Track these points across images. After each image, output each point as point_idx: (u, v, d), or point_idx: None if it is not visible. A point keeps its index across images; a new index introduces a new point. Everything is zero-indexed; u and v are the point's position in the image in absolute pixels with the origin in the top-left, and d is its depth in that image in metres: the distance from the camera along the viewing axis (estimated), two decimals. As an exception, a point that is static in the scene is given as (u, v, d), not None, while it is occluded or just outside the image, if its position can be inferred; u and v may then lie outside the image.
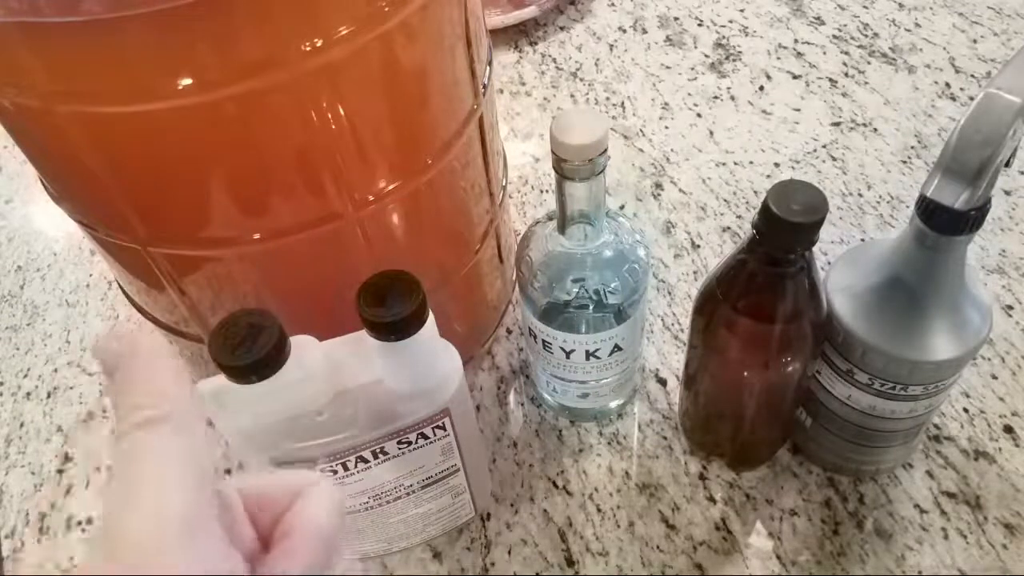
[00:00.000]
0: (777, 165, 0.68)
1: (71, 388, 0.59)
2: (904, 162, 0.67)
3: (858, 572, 0.46)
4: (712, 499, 0.49)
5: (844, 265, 0.42)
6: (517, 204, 0.67)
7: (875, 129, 0.70)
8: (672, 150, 0.70)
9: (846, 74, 0.75)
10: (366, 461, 0.39)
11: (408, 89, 0.38)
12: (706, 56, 0.78)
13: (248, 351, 0.30)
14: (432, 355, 0.37)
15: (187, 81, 0.30)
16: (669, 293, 0.60)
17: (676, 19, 0.83)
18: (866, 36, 0.78)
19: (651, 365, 0.56)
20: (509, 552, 0.48)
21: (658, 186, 0.68)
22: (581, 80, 0.77)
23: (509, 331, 0.59)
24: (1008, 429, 0.51)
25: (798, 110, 0.72)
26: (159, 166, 0.35)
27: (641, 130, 0.72)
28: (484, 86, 0.44)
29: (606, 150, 0.37)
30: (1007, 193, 0.64)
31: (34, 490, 0.54)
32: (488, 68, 0.45)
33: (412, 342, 0.34)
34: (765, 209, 0.35)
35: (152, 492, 0.18)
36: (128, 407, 0.19)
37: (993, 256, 0.60)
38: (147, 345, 0.20)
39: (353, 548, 0.46)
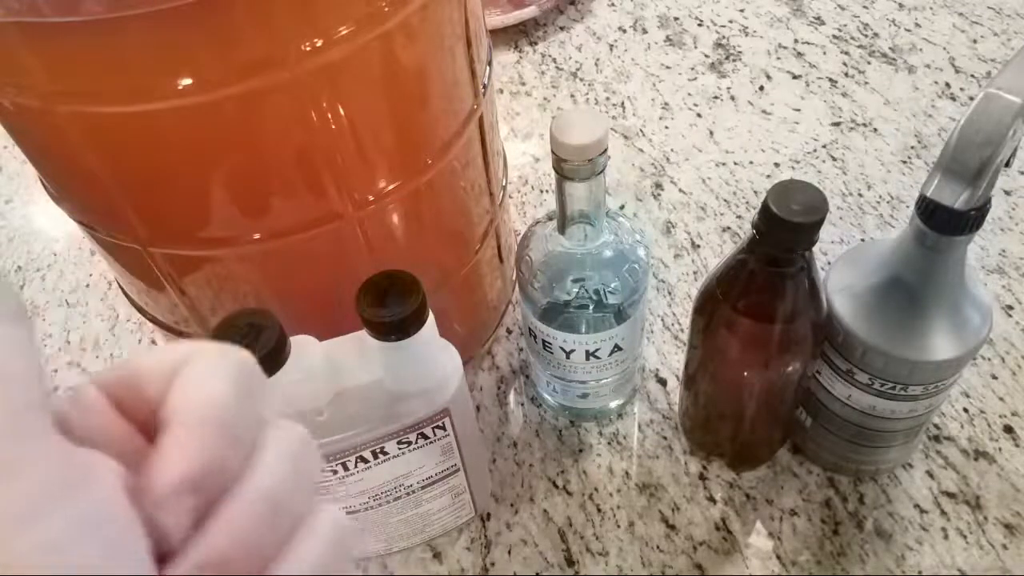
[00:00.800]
0: (777, 165, 0.68)
1: (71, 388, 0.59)
2: (904, 162, 0.67)
3: (858, 572, 0.46)
4: (712, 499, 0.49)
5: (844, 265, 0.42)
6: (517, 204, 0.67)
7: (875, 129, 0.70)
8: (672, 150, 0.70)
9: (846, 74, 0.75)
10: (366, 461, 0.39)
11: (408, 89, 0.38)
12: (706, 56, 0.78)
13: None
14: (432, 355, 0.37)
15: (187, 81, 0.30)
16: (669, 293, 0.60)
17: (676, 19, 0.83)
18: (866, 36, 0.78)
19: (651, 365, 0.56)
20: (509, 552, 0.48)
21: (658, 186, 0.68)
22: (581, 80, 0.77)
23: (509, 331, 0.59)
24: (1008, 429, 0.51)
25: (798, 110, 0.72)
26: (159, 166, 0.35)
27: (641, 130, 0.72)
28: (484, 86, 0.44)
29: (606, 150, 0.37)
30: (1007, 193, 0.64)
31: (34, 490, 0.54)
32: (488, 68, 0.45)
33: (412, 342, 0.34)
34: (765, 209, 0.35)
35: None
36: None
37: (993, 256, 0.60)
38: None
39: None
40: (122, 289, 0.50)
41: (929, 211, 0.34)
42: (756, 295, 0.39)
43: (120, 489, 0.16)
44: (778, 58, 0.77)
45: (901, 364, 0.39)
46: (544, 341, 0.46)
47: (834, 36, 0.79)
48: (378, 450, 0.38)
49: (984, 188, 0.33)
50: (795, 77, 0.75)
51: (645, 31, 0.82)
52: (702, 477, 0.50)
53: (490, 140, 0.47)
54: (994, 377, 0.53)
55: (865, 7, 0.81)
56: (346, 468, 0.39)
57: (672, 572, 0.46)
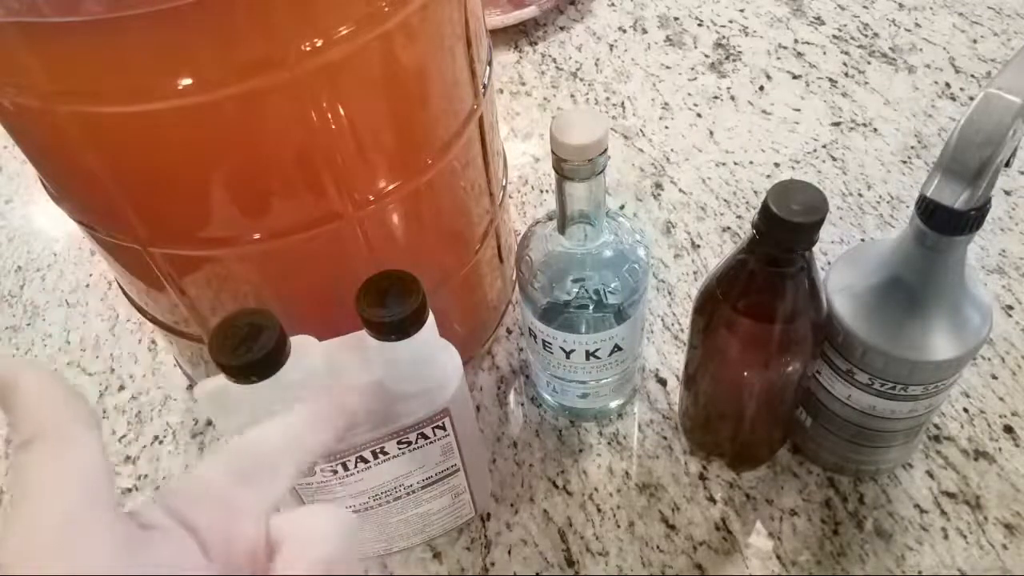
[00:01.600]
0: (777, 165, 0.68)
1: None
2: (904, 162, 0.67)
3: (858, 572, 0.46)
4: (712, 499, 0.49)
5: (844, 265, 0.42)
6: (517, 204, 0.67)
7: (875, 129, 0.70)
8: (672, 150, 0.70)
9: (846, 74, 0.75)
10: (366, 461, 0.39)
11: (408, 89, 0.38)
12: (706, 56, 0.78)
13: (248, 351, 0.30)
14: (432, 355, 0.37)
15: (187, 81, 0.30)
16: (669, 293, 0.60)
17: (676, 19, 0.83)
18: (866, 36, 0.78)
19: (651, 365, 0.56)
20: (509, 552, 0.48)
21: (658, 186, 0.68)
22: (581, 80, 0.77)
23: (509, 331, 0.59)
24: (1008, 429, 0.51)
25: (798, 110, 0.72)
26: (159, 166, 0.35)
27: (641, 130, 0.72)
28: (484, 86, 0.44)
29: (606, 150, 0.37)
30: (1007, 193, 0.64)
31: (34, 490, 0.54)
32: (488, 68, 0.45)
33: (412, 342, 0.34)
34: (765, 209, 0.35)
35: (26, 506, 0.18)
36: (12, 434, 0.19)
37: (993, 256, 0.60)
38: (21, 374, 0.20)
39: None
40: (122, 289, 0.50)
41: (929, 211, 0.34)
42: (756, 295, 0.39)
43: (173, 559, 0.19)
44: (778, 58, 0.77)
45: (901, 364, 0.39)
46: (544, 341, 0.46)
47: (834, 36, 0.79)
48: (378, 450, 0.38)
49: (984, 188, 0.33)
50: (795, 77, 0.75)
51: (645, 31, 0.82)
52: (702, 477, 0.50)
53: (490, 140, 0.47)
54: (994, 377, 0.53)
55: (865, 7, 0.82)
56: (346, 468, 0.39)
57: (672, 572, 0.46)
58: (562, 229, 0.42)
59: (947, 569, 0.45)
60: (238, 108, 0.32)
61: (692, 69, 0.77)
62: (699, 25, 0.82)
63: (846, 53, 0.77)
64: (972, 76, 0.73)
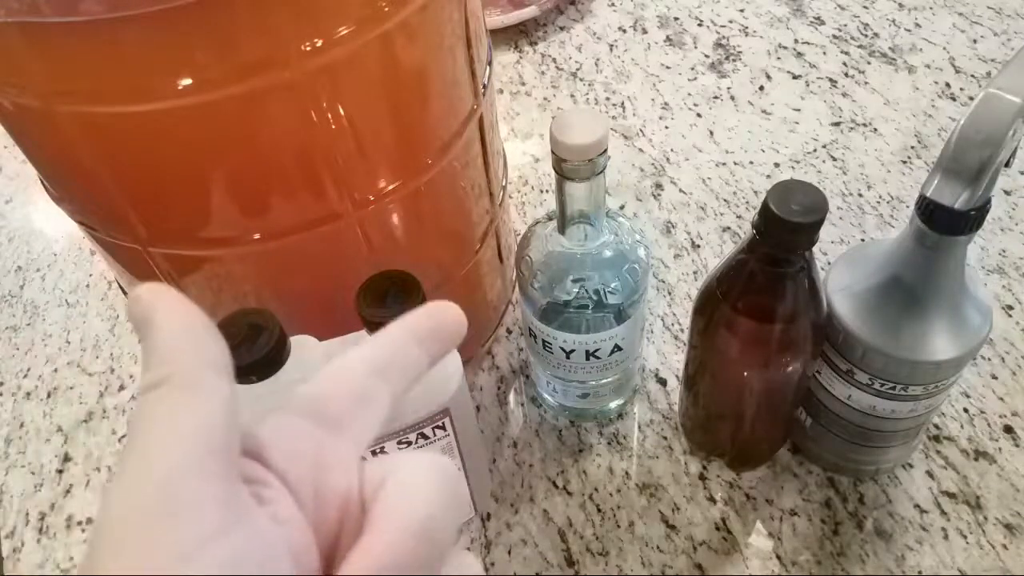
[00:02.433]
0: (777, 165, 0.68)
1: (71, 388, 0.59)
2: (904, 162, 0.67)
3: (858, 572, 0.46)
4: (712, 499, 0.49)
5: (844, 265, 0.42)
6: (517, 204, 0.67)
7: (875, 129, 0.70)
8: (672, 150, 0.70)
9: (846, 74, 0.75)
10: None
11: (408, 89, 0.38)
12: (706, 56, 0.78)
13: (248, 351, 0.30)
14: (432, 355, 0.37)
15: (187, 81, 0.30)
16: (669, 293, 0.60)
17: (676, 19, 0.83)
18: (866, 36, 0.78)
19: (651, 365, 0.56)
20: (509, 552, 0.48)
21: (658, 186, 0.68)
22: (581, 80, 0.77)
23: (509, 331, 0.59)
24: (1008, 429, 0.51)
25: (798, 110, 0.72)
26: (159, 166, 0.35)
27: (641, 130, 0.72)
28: (484, 86, 0.44)
29: (606, 150, 0.37)
30: (1007, 193, 0.64)
31: (34, 490, 0.54)
32: (488, 68, 0.45)
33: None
34: (765, 209, 0.35)
35: (134, 459, 0.16)
36: (142, 373, 0.18)
37: (993, 256, 0.60)
38: (161, 308, 0.18)
39: None
40: (122, 289, 0.50)
41: (929, 211, 0.34)
42: (756, 295, 0.39)
43: (274, 535, 0.17)
44: (778, 58, 0.77)
45: (901, 364, 0.39)
46: (544, 341, 0.46)
47: (834, 36, 0.79)
48: (378, 450, 0.38)
49: (984, 188, 0.33)
50: (795, 77, 0.75)
51: (645, 31, 0.82)
52: (702, 477, 0.50)
53: (490, 140, 0.47)
54: (994, 377, 0.53)
55: (865, 7, 0.82)
56: (346, 468, 0.39)
57: (672, 572, 0.46)
58: (562, 229, 0.42)
59: (947, 569, 0.45)
60: (238, 108, 0.32)
61: (692, 69, 0.77)
62: (699, 25, 0.82)
63: (846, 53, 0.77)
64: (972, 76, 0.73)
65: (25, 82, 0.31)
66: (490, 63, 0.45)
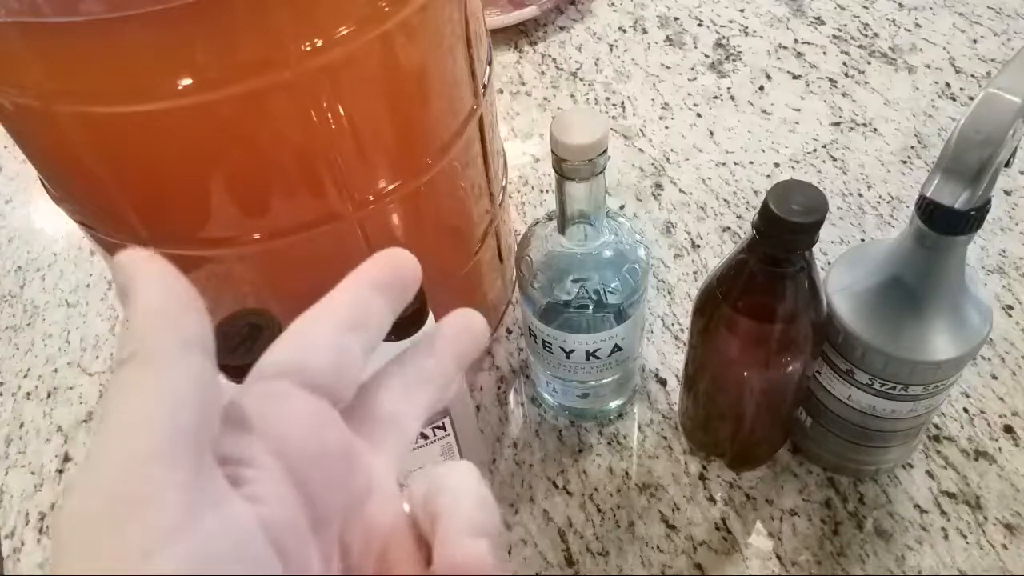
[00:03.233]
0: (777, 165, 0.68)
1: (71, 388, 0.59)
2: (904, 162, 0.67)
3: (858, 572, 0.46)
4: (712, 499, 0.49)
5: (844, 265, 0.42)
6: (517, 204, 0.67)
7: (875, 129, 0.70)
8: (672, 150, 0.70)
9: (846, 74, 0.75)
10: (366, 461, 0.39)
11: (408, 89, 0.38)
12: (706, 56, 0.78)
13: (248, 351, 0.30)
14: (432, 355, 0.37)
15: (187, 81, 0.30)
16: (669, 293, 0.60)
17: (676, 19, 0.83)
18: (866, 36, 0.78)
19: (651, 365, 0.56)
20: (509, 552, 0.48)
21: (658, 186, 0.68)
22: (581, 80, 0.77)
23: (509, 331, 0.59)
24: (1008, 429, 0.51)
25: (798, 110, 0.72)
26: (159, 166, 0.35)
27: (641, 130, 0.72)
28: (484, 86, 0.44)
29: (606, 150, 0.37)
30: (1007, 193, 0.64)
31: (34, 490, 0.54)
32: (488, 68, 0.45)
33: (412, 342, 0.34)
34: (765, 209, 0.35)
35: (101, 443, 0.15)
36: (118, 346, 0.17)
37: (993, 256, 0.60)
38: (140, 279, 0.17)
39: None
40: (122, 289, 0.50)
41: (929, 211, 0.34)
42: (756, 295, 0.39)
43: (247, 517, 0.16)
44: (778, 58, 0.77)
45: (901, 364, 0.39)
46: (544, 341, 0.46)
47: (834, 36, 0.79)
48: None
49: (984, 188, 0.33)
50: (795, 77, 0.75)
51: (645, 31, 0.82)
52: (702, 477, 0.50)
53: (490, 140, 0.47)
54: (994, 377, 0.53)
55: (865, 7, 0.81)
56: (346, 468, 0.39)
57: (672, 572, 0.46)
58: (562, 229, 0.42)
59: (947, 569, 0.45)
60: (238, 108, 0.32)
61: (692, 69, 0.77)
62: (699, 25, 0.82)
63: (846, 53, 0.77)
64: (972, 76, 0.73)
65: (25, 82, 0.31)
66: (490, 63, 0.45)
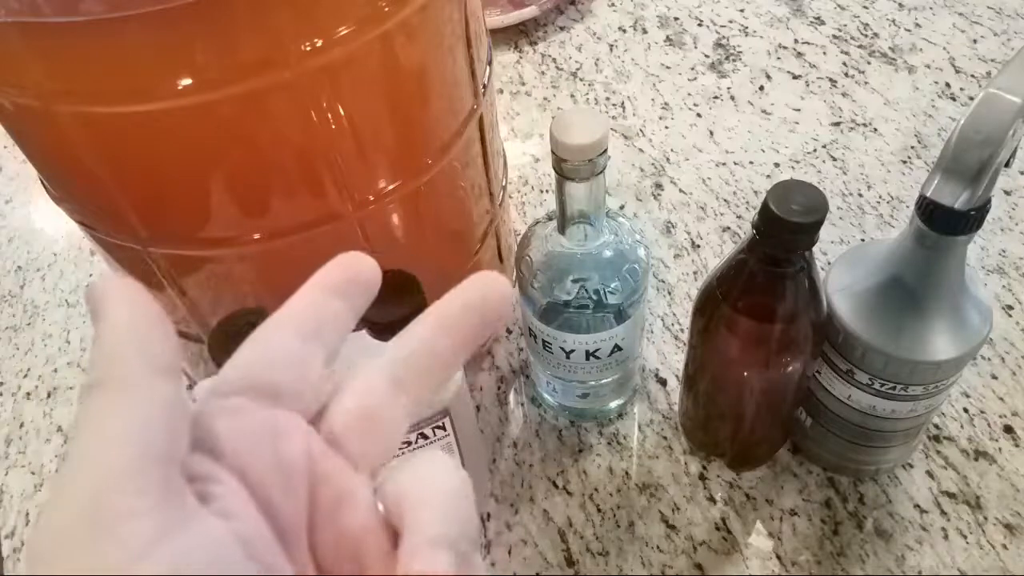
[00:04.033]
0: (777, 165, 0.68)
1: (71, 388, 0.59)
2: (904, 162, 0.67)
3: (858, 572, 0.46)
4: (712, 499, 0.49)
5: (844, 265, 0.42)
6: (517, 204, 0.67)
7: (875, 129, 0.70)
8: (672, 150, 0.70)
9: (846, 74, 0.75)
10: (366, 461, 0.39)
11: (408, 89, 0.38)
12: (706, 56, 0.78)
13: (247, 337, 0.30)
14: (432, 355, 0.37)
15: (187, 81, 0.30)
16: (669, 293, 0.60)
17: (676, 19, 0.83)
18: (866, 36, 0.78)
19: (651, 365, 0.56)
20: (509, 552, 0.48)
21: (658, 186, 0.68)
22: (581, 80, 0.77)
23: (509, 331, 0.59)
24: (1008, 429, 0.51)
25: (798, 110, 0.72)
26: (159, 166, 0.35)
27: (641, 130, 0.72)
28: (484, 86, 0.44)
29: (606, 150, 0.37)
30: (1007, 193, 0.64)
31: (34, 490, 0.54)
32: (488, 68, 0.45)
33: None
34: (765, 209, 0.35)
35: (66, 471, 0.15)
36: (86, 371, 0.17)
37: (993, 256, 0.60)
38: (110, 303, 0.17)
39: None
40: (122, 289, 0.50)
41: (929, 211, 0.34)
42: (756, 295, 0.39)
43: (221, 531, 0.16)
44: (778, 58, 0.77)
45: (901, 364, 0.39)
46: (544, 341, 0.46)
47: (834, 36, 0.79)
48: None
49: (984, 188, 0.33)
50: (795, 77, 0.75)
51: (645, 31, 0.82)
52: (702, 477, 0.50)
53: (490, 140, 0.47)
54: (994, 377, 0.53)
55: (865, 7, 0.81)
56: (346, 468, 0.39)
57: (672, 572, 0.46)
58: (562, 229, 0.42)
59: (947, 569, 0.45)
60: (238, 108, 0.32)
61: (692, 69, 0.77)
62: (699, 25, 0.82)
63: (846, 53, 0.77)
64: (972, 76, 0.73)
65: (25, 82, 0.31)
66: (490, 63, 0.45)
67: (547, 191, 0.68)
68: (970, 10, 0.80)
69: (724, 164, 0.69)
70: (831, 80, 0.74)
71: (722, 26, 0.81)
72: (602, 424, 0.53)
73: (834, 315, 0.40)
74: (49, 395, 0.59)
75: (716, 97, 0.74)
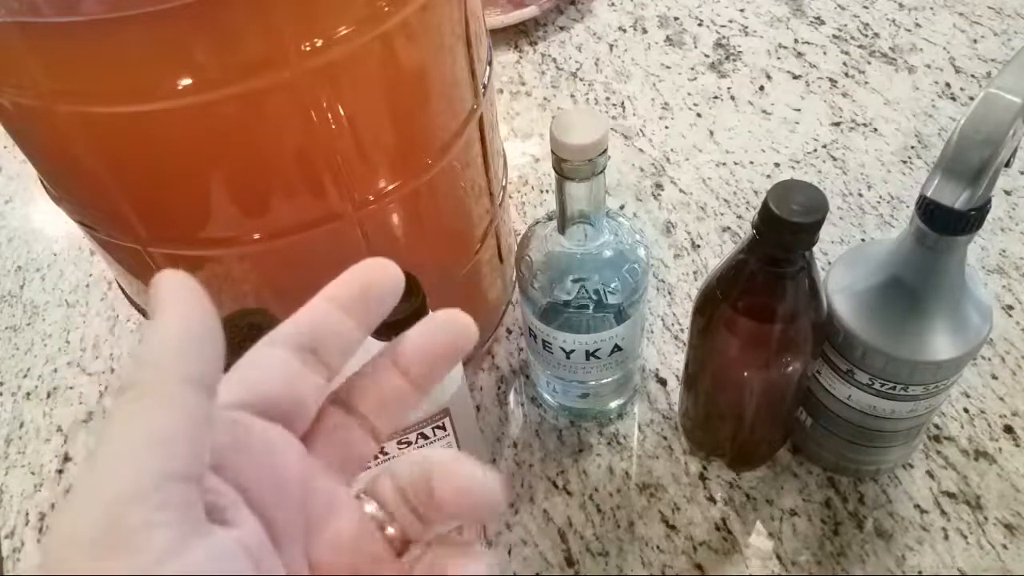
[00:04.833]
0: (777, 165, 0.68)
1: (71, 388, 0.59)
2: (904, 162, 0.67)
3: (858, 572, 0.46)
4: (712, 499, 0.49)
5: (844, 265, 0.42)
6: (517, 204, 0.67)
7: (875, 129, 0.70)
8: (672, 150, 0.70)
9: (846, 74, 0.75)
10: (366, 461, 0.39)
11: (408, 89, 0.38)
12: (706, 56, 0.78)
13: (248, 351, 0.30)
14: (432, 355, 0.37)
15: (187, 81, 0.30)
16: (669, 293, 0.60)
17: (676, 19, 0.83)
18: (866, 36, 0.78)
19: (651, 365, 0.56)
20: (509, 552, 0.48)
21: (658, 186, 0.68)
22: (581, 80, 0.77)
23: (509, 331, 0.59)
24: (1008, 429, 0.51)
25: (798, 110, 0.72)
26: (159, 166, 0.35)
27: (641, 130, 0.72)
28: (484, 86, 0.44)
29: (606, 150, 0.37)
30: (1007, 193, 0.64)
31: (34, 490, 0.54)
32: (488, 68, 0.45)
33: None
34: (765, 209, 0.35)
35: (87, 478, 0.16)
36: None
37: (993, 256, 0.60)
38: (167, 305, 0.17)
39: None
40: (122, 289, 0.50)
41: (929, 211, 0.34)
42: (756, 295, 0.39)
43: (230, 545, 0.17)
44: (778, 58, 0.77)
45: (901, 364, 0.39)
46: (544, 341, 0.46)
47: (834, 36, 0.79)
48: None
49: (984, 188, 0.33)
50: (795, 77, 0.75)
51: (645, 31, 0.82)
52: (702, 477, 0.50)
53: (490, 140, 0.47)
54: (994, 377, 0.53)
55: (865, 7, 0.81)
56: (346, 468, 0.39)
57: (672, 572, 0.46)
58: (562, 229, 0.42)
59: (947, 569, 0.45)
60: (238, 108, 0.32)
61: (692, 69, 0.77)
62: (699, 25, 0.82)
63: (846, 53, 0.77)
64: (972, 76, 0.73)
65: (25, 82, 0.31)
66: (490, 63, 0.45)
67: (547, 191, 0.68)
68: (970, 10, 0.80)
69: (724, 164, 0.69)
70: (831, 80, 0.74)
71: (722, 26, 0.81)
72: (602, 424, 0.53)
73: (834, 315, 0.40)
74: (49, 395, 0.59)
75: (716, 97, 0.74)
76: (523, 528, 0.49)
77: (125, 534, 0.15)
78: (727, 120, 0.72)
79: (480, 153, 0.46)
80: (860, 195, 0.65)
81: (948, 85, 0.73)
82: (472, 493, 0.20)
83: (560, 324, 0.45)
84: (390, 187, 0.39)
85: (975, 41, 0.77)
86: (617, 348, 0.46)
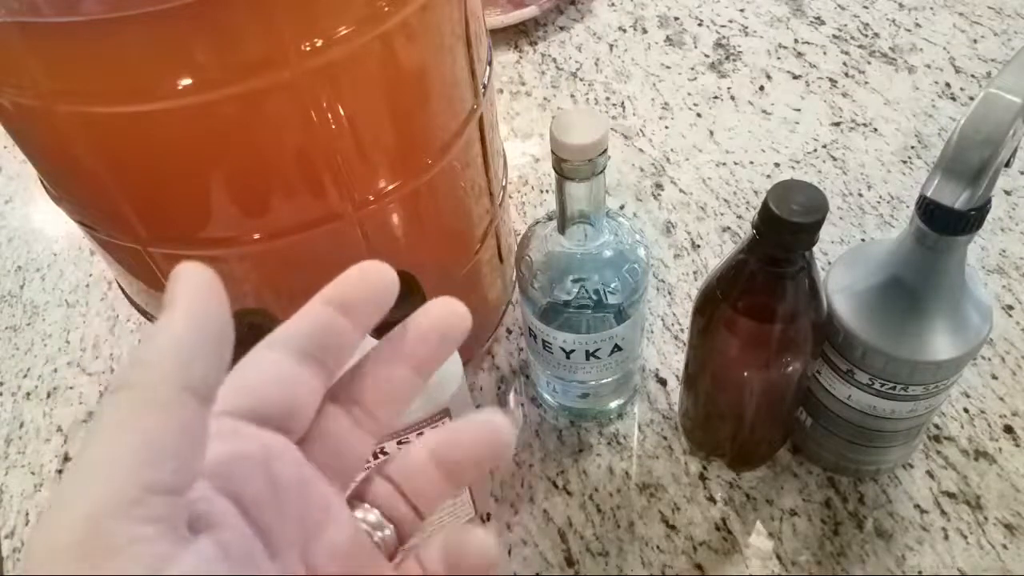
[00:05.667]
0: (777, 165, 0.68)
1: (71, 388, 0.59)
2: (904, 162, 0.67)
3: (858, 572, 0.46)
4: (712, 499, 0.49)
5: (844, 265, 0.42)
6: (517, 204, 0.67)
7: (875, 129, 0.70)
8: (672, 150, 0.70)
9: (846, 74, 0.75)
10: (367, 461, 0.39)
11: (408, 89, 0.38)
12: (706, 56, 0.78)
13: (247, 352, 0.30)
14: (432, 355, 0.37)
15: (187, 81, 0.30)
16: (669, 293, 0.60)
17: (676, 19, 0.83)
18: (866, 36, 0.78)
19: (651, 365, 0.56)
20: (509, 552, 0.48)
21: (658, 186, 0.68)
22: (581, 80, 0.77)
23: (509, 331, 0.59)
24: (1008, 429, 0.51)
25: (798, 110, 0.72)
26: (159, 166, 0.35)
27: (641, 130, 0.72)
28: (484, 86, 0.44)
29: (606, 150, 0.37)
30: (1007, 193, 0.64)
31: (34, 490, 0.54)
32: (488, 68, 0.45)
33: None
34: (765, 209, 0.35)
35: (72, 481, 0.15)
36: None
37: (993, 256, 0.60)
38: (182, 301, 0.17)
39: None
40: (122, 289, 0.50)
41: (929, 211, 0.34)
42: (756, 295, 0.39)
43: (217, 557, 0.17)
44: (778, 58, 0.77)
45: (901, 364, 0.39)
46: (544, 341, 0.46)
47: (834, 36, 0.79)
48: (378, 451, 0.38)
49: (984, 188, 0.33)
50: (795, 77, 0.75)
51: (645, 31, 0.82)
52: (702, 477, 0.50)
53: (490, 140, 0.47)
54: (994, 377, 0.53)
55: (865, 7, 0.81)
56: (346, 468, 0.39)
57: (672, 572, 0.46)
58: (562, 229, 0.42)
59: (947, 569, 0.45)
60: (238, 108, 0.32)
61: (692, 69, 0.77)
62: (699, 25, 0.82)
63: (846, 53, 0.77)
64: (972, 76, 0.73)
65: (25, 82, 0.31)
66: (490, 63, 0.45)
67: (547, 191, 0.68)
68: (970, 10, 0.80)
69: (724, 164, 0.69)
70: (831, 80, 0.74)
71: (722, 26, 0.81)
72: (602, 424, 0.53)
73: (834, 315, 0.40)
74: (49, 395, 0.59)
75: (716, 97, 0.74)
76: (523, 528, 0.49)
77: (103, 549, 0.15)
78: (727, 120, 0.72)
79: (480, 153, 0.46)
80: (860, 195, 0.65)
81: (948, 85, 0.73)
82: (486, 427, 0.22)
83: (560, 324, 0.45)
84: (390, 187, 0.39)
85: (975, 41, 0.77)
86: (617, 348, 0.46)
